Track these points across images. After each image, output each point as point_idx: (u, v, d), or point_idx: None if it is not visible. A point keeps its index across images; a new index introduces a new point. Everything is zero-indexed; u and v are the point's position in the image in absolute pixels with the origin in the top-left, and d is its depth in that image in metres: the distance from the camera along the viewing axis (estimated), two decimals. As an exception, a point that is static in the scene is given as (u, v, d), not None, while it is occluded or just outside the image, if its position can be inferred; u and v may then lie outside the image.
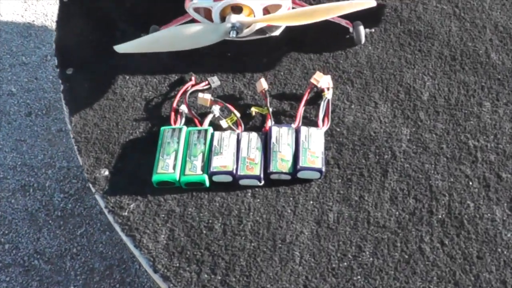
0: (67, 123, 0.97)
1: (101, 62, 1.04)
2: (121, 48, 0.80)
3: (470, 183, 0.83)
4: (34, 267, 1.58)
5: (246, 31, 0.77)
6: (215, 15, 0.76)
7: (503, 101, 0.91)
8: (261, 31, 0.80)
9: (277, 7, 0.77)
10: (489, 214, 0.80)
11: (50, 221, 1.66)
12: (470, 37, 1.01)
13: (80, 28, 1.11)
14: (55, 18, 2.15)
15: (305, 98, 0.91)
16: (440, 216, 0.80)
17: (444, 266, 0.75)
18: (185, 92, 0.94)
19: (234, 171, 0.83)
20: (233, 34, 0.75)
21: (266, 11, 0.79)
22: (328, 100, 0.91)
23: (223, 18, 0.76)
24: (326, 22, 0.98)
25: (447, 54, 0.98)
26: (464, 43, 1.00)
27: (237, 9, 0.75)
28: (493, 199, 0.81)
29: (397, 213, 0.81)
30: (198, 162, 0.85)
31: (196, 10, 0.78)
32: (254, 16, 0.76)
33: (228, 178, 0.84)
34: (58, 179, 1.74)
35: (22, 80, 1.94)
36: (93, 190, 0.88)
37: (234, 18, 0.74)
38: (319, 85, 0.91)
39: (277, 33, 0.87)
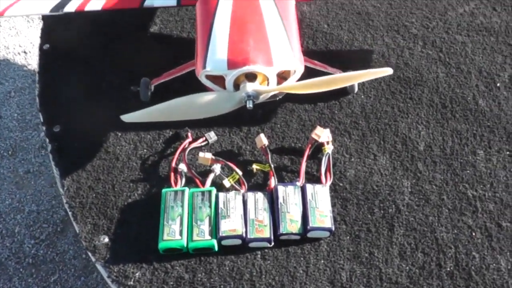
0: (58, 186, 0.93)
1: (90, 118, 1.00)
2: (129, 117, 0.77)
3: (473, 233, 0.85)
4: (6, 319, 1.49)
5: (261, 98, 0.76)
6: (229, 83, 0.75)
7: (495, 148, 0.94)
8: (273, 95, 0.79)
9: (290, 71, 0.77)
10: (494, 264, 0.82)
11: (21, 269, 1.58)
12: (457, 83, 1.04)
13: (63, 80, 1.07)
14: (16, 51, 2.08)
15: (306, 154, 0.90)
16: (448, 269, 0.81)
17: (457, 321, 0.77)
18: (183, 150, 0.92)
19: (244, 235, 0.82)
20: (249, 104, 0.74)
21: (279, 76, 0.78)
22: (329, 154, 0.91)
23: (236, 86, 0.75)
24: (318, 72, 0.99)
25: (438, 101, 1.01)
26: (452, 89, 1.03)
27: (251, 76, 0.74)
28: (496, 248, 0.83)
29: (407, 268, 0.81)
30: (205, 227, 0.83)
31: (207, 77, 0.76)
32: (268, 83, 0.75)
33: (238, 242, 0.83)
34: (28, 224, 1.67)
35: (-15, 119, 1.85)
36: (93, 259, 0.84)
37: (250, 87, 0.73)
38: (319, 140, 0.91)
39: (283, 94, 0.86)
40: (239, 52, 0.73)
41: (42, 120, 1.01)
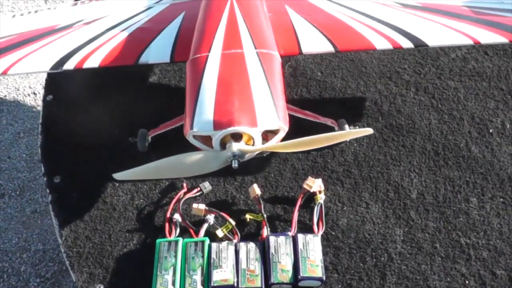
0: (57, 236, 0.95)
1: (89, 169, 1.03)
2: (121, 176, 0.80)
3: (467, 282, 0.85)
4: None
5: (246, 156, 0.78)
6: (216, 143, 0.77)
7: (488, 195, 0.95)
8: (259, 153, 0.82)
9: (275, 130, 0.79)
10: (487, 315, 0.82)
11: (27, 308, 1.59)
12: (449, 130, 1.05)
13: (65, 132, 1.10)
14: (26, 92, 2.14)
15: (298, 204, 0.92)
16: (441, 319, 0.81)
17: None
18: (178, 200, 0.94)
19: (235, 284, 0.83)
20: (235, 164, 0.76)
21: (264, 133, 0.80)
22: (321, 204, 0.92)
23: (223, 145, 0.77)
24: (311, 121, 1.01)
25: (430, 148, 1.02)
26: (444, 136, 1.04)
27: (237, 135, 0.77)
28: (490, 298, 0.83)
29: (399, 318, 0.82)
30: (198, 277, 0.84)
31: (195, 137, 0.79)
32: (253, 142, 0.77)
33: (230, 292, 0.84)
34: (34, 263, 1.68)
35: (-6, 159, 1.89)
36: (89, 309, 0.86)
37: (235, 147, 0.75)
38: (311, 190, 0.92)
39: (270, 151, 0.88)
40: (224, 113, 0.76)
41: (43, 171, 1.04)
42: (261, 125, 0.76)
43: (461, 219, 0.92)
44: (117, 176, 0.80)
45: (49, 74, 1.21)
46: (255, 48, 0.85)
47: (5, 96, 2.10)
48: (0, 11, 2.09)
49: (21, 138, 1.97)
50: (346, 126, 1.00)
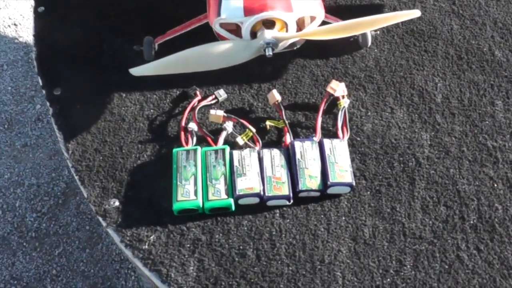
0: (62, 150, 0.89)
1: (92, 79, 0.96)
2: (138, 71, 0.73)
3: (495, 185, 0.83)
4: (11, 294, 1.47)
5: (280, 46, 0.71)
6: (246, 31, 0.70)
7: (514, 98, 0.91)
8: (291, 44, 0.75)
9: (310, 18, 0.72)
10: (517, 215, 0.80)
11: (25, 243, 1.56)
12: (472, 34, 1.00)
13: (61, 42, 1.02)
14: (6, 23, 2.01)
15: (322, 108, 0.87)
16: (472, 222, 0.79)
17: (484, 273, 0.75)
18: (192, 108, 0.88)
19: (262, 193, 0.79)
20: (269, 52, 0.69)
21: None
22: (345, 108, 0.88)
23: (253, 34, 0.71)
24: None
25: (453, 53, 0.98)
26: (467, 41, 0.99)
27: (269, 23, 0.70)
28: (519, 199, 0.81)
29: (430, 222, 0.79)
30: (221, 186, 0.80)
31: (222, 25, 0.71)
32: (287, 30, 0.71)
33: (256, 200, 0.80)
34: (29, 198, 1.64)
35: (-22, 94, 1.80)
36: (104, 224, 0.81)
37: (269, 34, 0.68)
38: (335, 94, 0.87)
39: (301, 43, 0.82)
40: None
41: (41, 84, 0.96)
42: (297, 11, 0.70)
43: (487, 122, 0.89)
44: (134, 70, 0.73)
45: (39, -15, 1.11)
46: None
47: (-17, 28, 1.97)
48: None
49: (4, 71, 1.88)
50: (368, 30, 0.94)
